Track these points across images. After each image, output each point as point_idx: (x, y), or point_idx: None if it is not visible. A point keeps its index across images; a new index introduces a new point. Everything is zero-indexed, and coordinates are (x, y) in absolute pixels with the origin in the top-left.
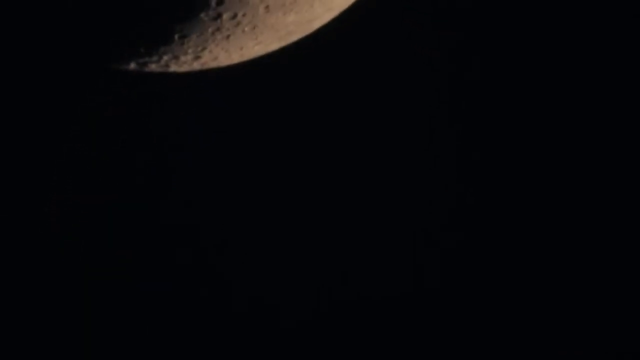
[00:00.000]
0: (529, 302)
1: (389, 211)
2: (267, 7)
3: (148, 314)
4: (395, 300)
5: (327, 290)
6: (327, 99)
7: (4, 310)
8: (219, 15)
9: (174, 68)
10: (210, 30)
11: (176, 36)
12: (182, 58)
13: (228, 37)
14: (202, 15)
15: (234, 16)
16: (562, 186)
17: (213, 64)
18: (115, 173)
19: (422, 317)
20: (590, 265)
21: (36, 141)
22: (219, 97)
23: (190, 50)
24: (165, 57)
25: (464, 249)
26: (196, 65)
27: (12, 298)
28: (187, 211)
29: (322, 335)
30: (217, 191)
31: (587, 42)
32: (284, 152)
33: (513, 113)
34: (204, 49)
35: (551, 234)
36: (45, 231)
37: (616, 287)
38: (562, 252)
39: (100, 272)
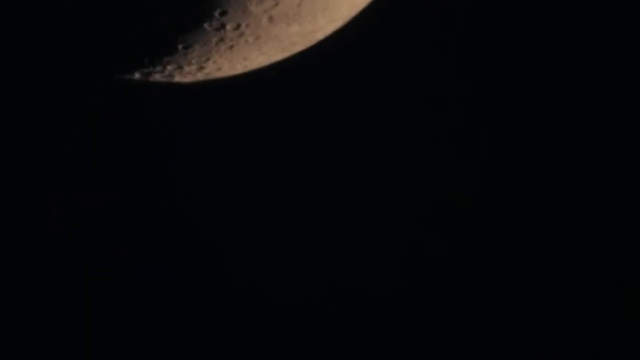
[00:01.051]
0: (528, 302)
1: (388, 211)
2: (270, 18)
3: (148, 314)
4: (394, 299)
5: (325, 283)
6: (328, 106)
7: (4, 310)
8: (223, 26)
9: (178, 78)
10: (214, 40)
11: (180, 46)
12: (186, 68)
13: (232, 47)
14: (206, 25)
15: (238, 26)
16: (560, 187)
17: (217, 75)
18: (115, 173)
19: (420, 315)
20: (588, 265)
21: (36, 141)
22: (222, 102)
23: (194, 61)
24: (169, 67)
25: (462, 248)
26: (200, 76)
27: (12, 298)
28: (187, 212)
29: (320, 328)
30: (217, 192)
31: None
32: (285, 154)
33: (513, 114)
34: (207, 59)
35: (549, 233)
36: (45, 231)
37: (615, 287)
38: (559, 252)
39: (100, 272)
